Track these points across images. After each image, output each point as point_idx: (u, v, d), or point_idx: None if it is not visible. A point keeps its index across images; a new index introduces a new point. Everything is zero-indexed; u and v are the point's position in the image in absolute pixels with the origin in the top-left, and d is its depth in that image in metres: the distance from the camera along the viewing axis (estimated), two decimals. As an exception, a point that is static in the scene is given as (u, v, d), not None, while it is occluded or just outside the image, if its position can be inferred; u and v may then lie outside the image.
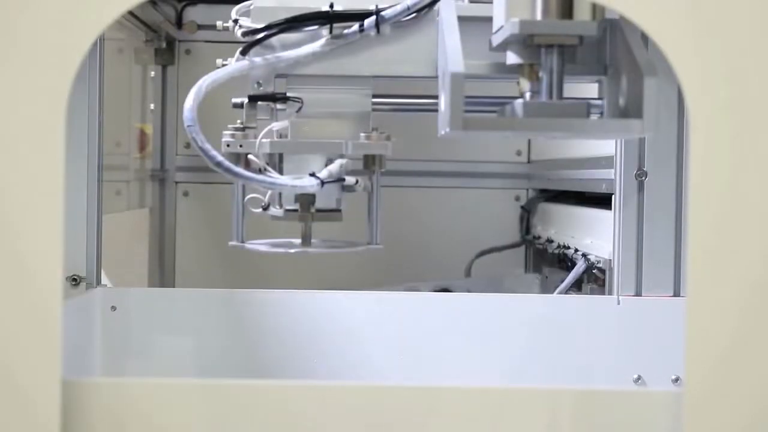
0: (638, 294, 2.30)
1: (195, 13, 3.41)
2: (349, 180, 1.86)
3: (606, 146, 2.42)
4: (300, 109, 1.85)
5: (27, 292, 1.43)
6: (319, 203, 1.88)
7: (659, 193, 2.29)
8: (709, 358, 1.43)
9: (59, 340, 1.42)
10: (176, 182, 3.48)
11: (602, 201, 2.49)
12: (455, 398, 1.48)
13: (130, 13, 2.94)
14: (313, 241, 1.93)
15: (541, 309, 2.33)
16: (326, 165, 1.84)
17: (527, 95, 1.55)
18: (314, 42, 1.81)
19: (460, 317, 2.33)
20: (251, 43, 1.83)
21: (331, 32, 1.79)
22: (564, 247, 2.74)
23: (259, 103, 1.85)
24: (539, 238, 3.12)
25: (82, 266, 2.26)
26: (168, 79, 3.45)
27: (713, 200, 1.43)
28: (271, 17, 1.81)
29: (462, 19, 1.65)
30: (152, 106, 3.46)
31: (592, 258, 2.48)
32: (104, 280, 2.35)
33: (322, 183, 1.81)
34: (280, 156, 1.86)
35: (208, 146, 1.77)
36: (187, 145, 3.46)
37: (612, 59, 1.60)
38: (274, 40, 1.83)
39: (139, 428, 1.47)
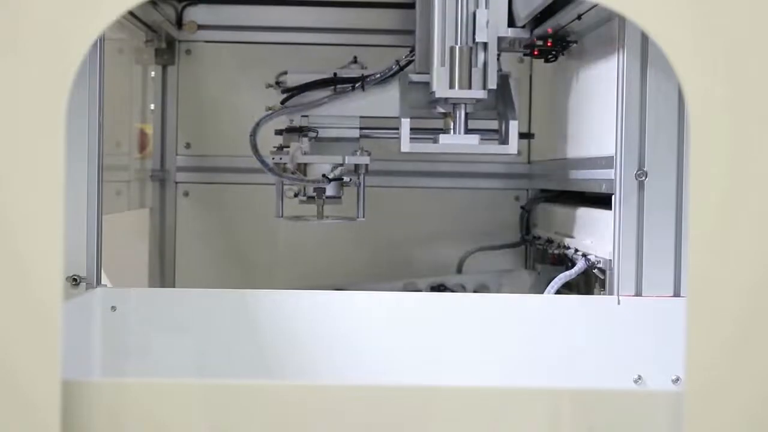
0: (638, 294, 2.30)
1: (195, 13, 3.41)
2: (346, 179, 2.91)
3: (606, 147, 2.42)
4: (316, 135, 2.89)
5: (27, 292, 1.43)
6: (328, 193, 2.89)
7: (659, 193, 2.29)
8: (709, 358, 1.43)
9: (59, 340, 1.43)
10: (176, 182, 3.48)
11: (602, 201, 2.49)
12: (455, 398, 1.48)
13: (131, 13, 2.95)
14: (324, 215, 2.92)
15: (542, 309, 2.33)
16: (332, 170, 2.87)
17: (450, 130, 2.66)
18: (325, 95, 2.87)
19: (461, 317, 2.33)
20: (288, 97, 2.89)
21: (335, 90, 2.87)
22: (564, 247, 2.74)
23: (292, 132, 2.90)
24: (539, 238, 3.12)
25: (82, 266, 2.26)
26: (168, 79, 3.45)
27: (713, 200, 1.43)
28: (299, 81, 2.87)
29: (412, 83, 2.79)
30: (152, 106, 3.46)
31: (592, 258, 2.48)
32: (104, 280, 2.35)
33: (329, 180, 2.86)
34: (305, 164, 2.90)
35: (263, 158, 2.83)
36: (188, 145, 3.47)
37: (500, 106, 2.74)
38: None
39: (139, 428, 1.47)
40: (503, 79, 2.71)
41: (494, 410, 1.47)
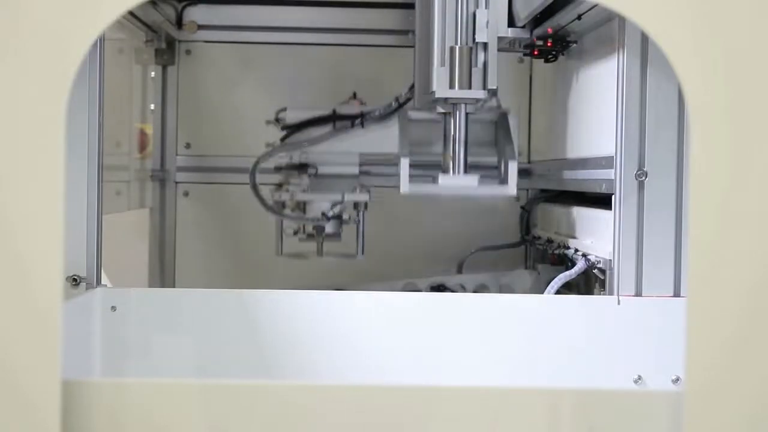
0: (638, 294, 2.30)
1: (195, 13, 3.41)
2: (345, 216, 2.96)
3: (606, 147, 2.42)
4: (315, 172, 2.91)
5: (27, 292, 1.43)
6: (327, 230, 2.96)
7: (659, 193, 2.29)
8: (709, 358, 1.43)
9: (59, 340, 1.43)
10: (176, 182, 3.48)
11: (602, 201, 2.49)
12: (455, 398, 1.48)
13: (130, 13, 2.95)
14: (324, 252, 3.00)
15: (542, 309, 2.33)
16: (331, 207, 2.92)
17: (450, 172, 2.62)
18: (324, 132, 2.91)
19: (461, 317, 2.33)
20: (287, 134, 2.93)
21: (334, 127, 2.91)
22: (564, 247, 2.74)
23: (291, 169, 2.93)
24: (539, 238, 3.12)
25: (82, 266, 2.26)
26: (168, 80, 3.45)
27: (713, 200, 1.43)
28: (299, 117, 2.93)
29: (412, 120, 2.82)
30: (152, 106, 3.46)
31: (592, 258, 2.48)
32: (104, 280, 2.35)
33: (329, 218, 2.92)
34: (304, 201, 2.94)
35: (262, 196, 2.90)
36: (188, 146, 3.47)
37: (499, 144, 2.81)
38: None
39: (139, 428, 1.47)
40: (502, 116, 2.73)
41: (494, 410, 1.47)
